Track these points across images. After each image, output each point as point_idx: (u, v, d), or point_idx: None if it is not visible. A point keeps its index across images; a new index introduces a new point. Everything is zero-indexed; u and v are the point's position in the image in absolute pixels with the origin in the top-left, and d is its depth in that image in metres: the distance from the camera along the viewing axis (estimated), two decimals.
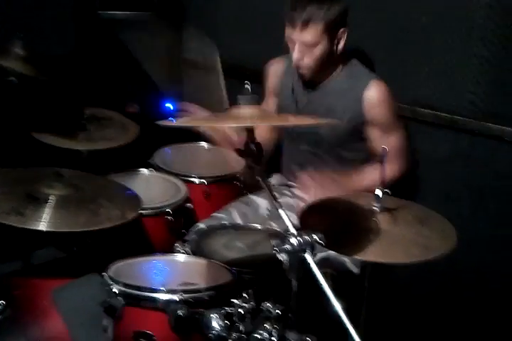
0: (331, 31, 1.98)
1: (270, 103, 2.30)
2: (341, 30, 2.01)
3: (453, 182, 2.22)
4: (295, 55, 2.01)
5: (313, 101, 2.15)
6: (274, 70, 2.29)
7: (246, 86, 1.46)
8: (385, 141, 2.01)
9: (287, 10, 2.00)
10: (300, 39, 1.98)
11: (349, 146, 2.16)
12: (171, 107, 2.77)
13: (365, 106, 2.06)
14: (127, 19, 2.80)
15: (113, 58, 2.77)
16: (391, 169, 2.02)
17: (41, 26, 2.68)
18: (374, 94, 2.05)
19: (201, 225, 2.15)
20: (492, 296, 2.18)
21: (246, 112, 1.45)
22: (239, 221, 2.18)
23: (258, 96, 1.53)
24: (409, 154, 2.12)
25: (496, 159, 2.11)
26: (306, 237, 1.31)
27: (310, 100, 2.16)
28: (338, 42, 2.03)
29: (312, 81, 2.14)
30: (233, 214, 2.21)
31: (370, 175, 1.99)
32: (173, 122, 1.93)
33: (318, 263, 1.35)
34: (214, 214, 2.22)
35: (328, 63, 2.07)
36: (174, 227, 2.19)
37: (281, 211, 1.41)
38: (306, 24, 1.94)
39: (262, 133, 2.11)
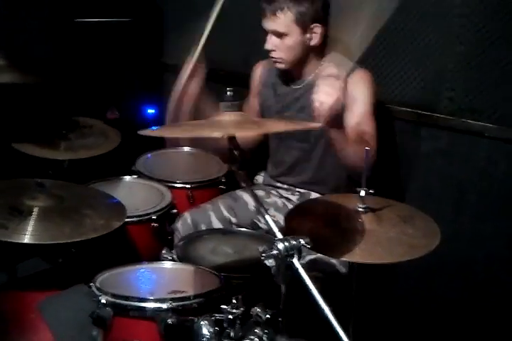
0: (301, 23, 2.00)
1: (252, 104, 2.32)
2: (314, 24, 2.02)
3: (434, 179, 2.24)
4: (267, 45, 2.05)
5: (299, 97, 2.16)
6: (256, 73, 2.32)
7: (228, 93, 1.45)
8: (364, 122, 1.99)
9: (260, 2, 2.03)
10: (270, 27, 2.02)
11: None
12: (152, 112, 2.77)
13: (347, 88, 2.01)
14: (104, 26, 2.78)
15: (92, 66, 2.75)
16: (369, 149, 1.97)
17: (18, 36, 2.66)
18: (356, 77, 2.03)
19: (187, 215, 2.17)
20: (476, 292, 2.21)
21: (228, 120, 1.45)
22: (226, 213, 2.19)
23: (240, 101, 1.53)
24: (376, 144, 2.01)
25: (477, 155, 2.13)
26: (293, 242, 1.31)
27: (295, 97, 2.17)
28: (311, 37, 2.03)
29: (296, 78, 2.16)
30: (221, 206, 2.22)
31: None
32: (154, 130, 1.95)
33: (307, 266, 1.35)
34: (202, 204, 2.23)
35: (304, 58, 2.08)
36: (160, 233, 2.19)
37: (267, 217, 1.41)
38: (274, 12, 1.99)
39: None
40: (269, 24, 2.03)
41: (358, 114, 2.03)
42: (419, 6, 2.15)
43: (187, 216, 2.18)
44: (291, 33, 2.01)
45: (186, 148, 2.65)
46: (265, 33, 2.06)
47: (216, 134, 1.39)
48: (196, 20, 2.93)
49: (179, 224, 2.17)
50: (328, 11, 2.06)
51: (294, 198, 2.26)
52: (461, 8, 2.05)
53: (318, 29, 2.03)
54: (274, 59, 2.09)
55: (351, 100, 2.04)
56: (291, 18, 1.99)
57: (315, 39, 2.05)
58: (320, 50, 2.11)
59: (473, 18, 2.04)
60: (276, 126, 1.64)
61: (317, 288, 1.31)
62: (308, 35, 2.04)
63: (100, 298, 1.60)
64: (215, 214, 2.19)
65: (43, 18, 2.79)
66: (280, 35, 2.02)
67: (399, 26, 2.22)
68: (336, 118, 1.86)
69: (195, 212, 2.20)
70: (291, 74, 2.17)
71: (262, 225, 2.16)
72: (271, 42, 2.05)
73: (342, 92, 1.90)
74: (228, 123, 1.44)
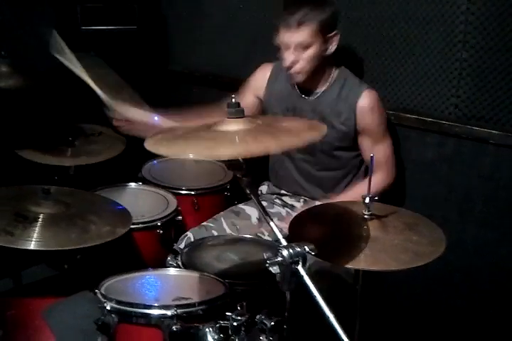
0: (324, 32, 2.00)
1: (248, 100, 2.24)
2: (334, 32, 2.03)
3: (439, 185, 2.24)
4: (289, 57, 2.01)
5: (306, 109, 2.16)
6: (263, 73, 2.29)
7: (233, 99, 1.45)
8: (375, 150, 2.06)
9: (281, 13, 2.02)
10: (294, 40, 1.98)
11: (341, 154, 2.18)
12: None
13: (357, 114, 2.09)
14: (110, 34, 2.80)
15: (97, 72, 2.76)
16: (379, 177, 2.06)
17: (25, 43, 2.68)
18: (366, 103, 2.08)
19: (189, 234, 2.16)
20: (482, 299, 2.20)
21: (236, 132, 1.41)
22: (228, 230, 2.18)
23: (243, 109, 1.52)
24: (395, 163, 2.18)
25: (482, 162, 2.12)
26: (298, 249, 1.31)
27: (303, 108, 2.17)
28: (330, 45, 2.04)
29: (306, 89, 2.16)
30: (223, 223, 2.21)
31: (358, 190, 1.99)
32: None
33: (313, 277, 1.34)
34: (204, 223, 2.22)
35: (320, 67, 2.08)
36: (165, 240, 2.19)
37: (272, 224, 1.41)
38: (300, 24, 1.96)
39: None
40: (293, 36, 1.97)
41: (372, 143, 2.10)
42: (424, 13, 2.16)
43: (190, 235, 2.16)
44: (315, 43, 1.99)
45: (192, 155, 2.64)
46: (284, 44, 2.01)
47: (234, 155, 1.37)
48: (200, 28, 2.97)
49: (182, 245, 2.14)
50: (339, 15, 2.09)
51: (299, 205, 2.26)
52: (466, 15, 2.06)
53: (336, 37, 2.04)
54: (293, 72, 2.06)
55: (362, 126, 2.10)
56: (316, 28, 1.97)
57: (333, 47, 2.05)
58: (331, 60, 2.12)
59: (478, 25, 2.04)
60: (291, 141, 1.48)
61: (323, 297, 1.31)
62: (328, 44, 2.03)
63: (105, 304, 1.60)
64: (217, 232, 2.17)
65: (49, 26, 2.81)
66: (304, 46, 1.99)
67: (404, 33, 2.22)
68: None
69: (197, 230, 2.18)
70: (300, 84, 2.16)
71: (266, 238, 2.15)
72: (291, 57, 2.00)
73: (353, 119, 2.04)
74: (241, 138, 1.39)
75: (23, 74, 2.27)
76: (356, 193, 1.95)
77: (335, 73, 2.14)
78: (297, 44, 1.99)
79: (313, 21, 1.97)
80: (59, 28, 2.80)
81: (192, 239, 2.13)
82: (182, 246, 2.12)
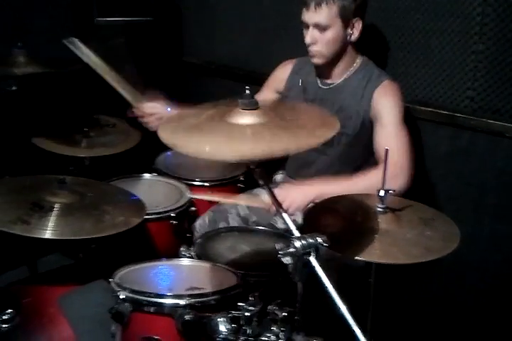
0: (344, 17, 2.01)
1: (265, 95, 2.30)
2: (356, 18, 2.03)
3: (454, 179, 2.23)
4: (307, 38, 2.05)
5: (325, 99, 2.16)
6: (283, 70, 2.31)
7: (247, 91, 1.46)
8: (388, 142, 2.01)
9: None
10: (313, 20, 2.01)
11: (357, 145, 2.16)
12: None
13: (373, 102, 2.07)
14: (125, 25, 2.81)
15: (113, 63, 2.78)
16: (396, 175, 1.99)
17: (39, 35, 2.70)
18: (382, 91, 2.07)
19: (206, 213, 2.22)
20: (495, 293, 2.19)
21: (249, 125, 1.42)
22: (245, 211, 2.20)
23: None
24: (412, 158, 2.04)
25: (497, 155, 2.11)
26: (310, 240, 1.32)
27: (322, 98, 2.17)
28: (352, 31, 2.05)
29: (327, 78, 2.17)
30: (239, 206, 2.23)
31: (372, 178, 1.96)
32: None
33: (323, 265, 1.35)
34: (220, 205, 2.25)
35: (341, 54, 2.09)
36: (178, 231, 2.21)
37: (285, 215, 1.42)
38: (319, 4, 1.98)
39: None
40: (311, 16, 2.02)
41: (386, 134, 2.05)
42: (440, 5, 2.14)
43: (206, 214, 2.20)
44: (334, 25, 2.01)
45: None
46: (301, 27, 2.06)
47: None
48: (215, 19, 2.96)
49: (198, 223, 2.19)
50: (366, 6, 2.08)
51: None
52: (483, 7, 2.04)
53: (358, 24, 2.04)
54: (312, 53, 2.09)
55: (378, 117, 2.06)
56: (335, 10, 1.99)
57: (355, 34, 2.06)
58: (354, 49, 2.12)
59: (494, 17, 2.02)
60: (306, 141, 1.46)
61: (334, 280, 1.31)
62: (349, 30, 2.04)
63: (119, 293, 1.62)
64: (235, 211, 2.21)
65: (64, 17, 2.83)
66: (322, 28, 2.02)
67: (420, 25, 2.21)
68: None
69: (215, 210, 2.22)
70: (321, 73, 2.18)
71: (280, 225, 2.16)
72: (311, 35, 2.05)
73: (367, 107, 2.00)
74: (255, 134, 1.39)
75: (39, 63, 2.28)
76: (367, 181, 1.93)
77: (358, 63, 2.15)
78: (315, 24, 2.03)
79: (332, 4, 1.99)
80: (75, 20, 2.84)
81: (207, 218, 2.20)
82: (197, 223, 2.19)
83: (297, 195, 1.94)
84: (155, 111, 2.27)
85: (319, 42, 2.05)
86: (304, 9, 2.04)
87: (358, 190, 1.86)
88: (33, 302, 1.80)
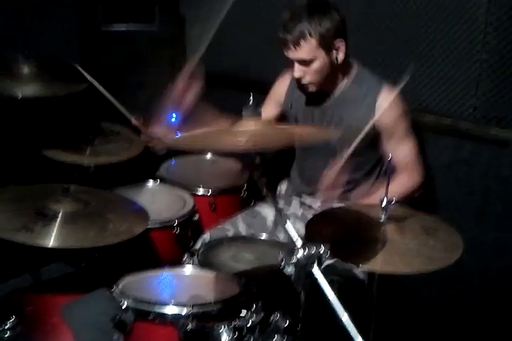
0: (325, 44, 1.96)
1: (269, 110, 2.29)
2: (337, 40, 1.99)
3: (457, 187, 2.23)
4: (295, 73, 2.02)
5: (326, 112, 2.15)
6: (283, 82, 2.29)
7: (250, 98, 1.46)
8: (398, 150, 2.02)
9: (280, 27, 1.99)
10: (295, 57, 1.98)
11: (363, 153, 2.14)
12: (174, 118, 2.79)
13: (376, 111, 2.05)
14: (129, 32, 2.82)
15: (118, 73, 2.80)
16: (403, 179, 2.04)
17: (46, 44, 2.71)
18: (385, 101, 2.04)
19: (206, 236, 2.17)
20: (499, 302, 2.18)
21: (250, 128, 1.45)
22: (245, 232, 2.19)
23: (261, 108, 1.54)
24: (422, 163, 2.08)
25: (500, 164, 2.11)
26: (313, 250, 1.32)
27: (323, 112, 2.16)
28: (337, 53, 2.02)
29: (321, 93, 2.15)
30: (239, 225, 2.22)
31: (402, 185, 2.01)
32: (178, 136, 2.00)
33: (325, 271, 1.35)
34: (220, 225, 2.23)
35: (332, 74, 2.07)
36: (181, 239, 2.21)
37: (287, 225, 1.42)
38: (298, 42, 1.94)
39: None
40: (293, 54, 1.98)
41: (397, 142, 2.05)
42: (444, 13, 2.15)
43: (206, 236, 2.18)
44: (318, 57, 1.98)
45: (209, 155, 2.67)
46: (290, 60, 2.02)
47: (238, 142, 1.40)
48: (218, 28, 2.97)
49: (199, 245, 2.15)
50: (345, 23, 2.02)
51: (316, 205, 2.26)
52: (487, 16, 2.04)
53: (341, 44, 2.00)
54: (304, 85, 2.07)
55: (383, 125, 2.05)
56: (314, 43, 1.95)
57: (340, 54, 2.02)
58: (345, 63, 2.09)
59: (498, 26, 2.02)
60: (300, 132, 1.60)
61: (335, 292, 1.31)
62: (334, 54, 2.01)
63: (122, 302, 1.62)
64: (234, 232, 2.18)
65: (70, 27, 2.85)
66: (307, 62, 1.99)
67: (423, 33, 2.22)
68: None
69: (214, 231, 2.20)
70: (320, 89, 2.14)
71: (282, 240, 2.15)
72: (298, 70, 2.01)
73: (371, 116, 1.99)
74: (250, 132, 1.43)
75: (45, 75, 2.29)
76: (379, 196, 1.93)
77: (352, 74, 2.12)
78: (299, 60, 2.00)
79: (311, 37, 1.93)
80: (80, 28, 2.85)
81: (207, 241, 2.14)
82: (197, 246, 2.14)
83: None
84: (162, 137, 2.22)
85: (308, 74, 2.02)
86: (284, 47, 1.99)
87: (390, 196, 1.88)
88: (36, 310, 1.79)
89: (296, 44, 1.94)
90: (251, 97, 1.48)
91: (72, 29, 2.86)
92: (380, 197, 1.86)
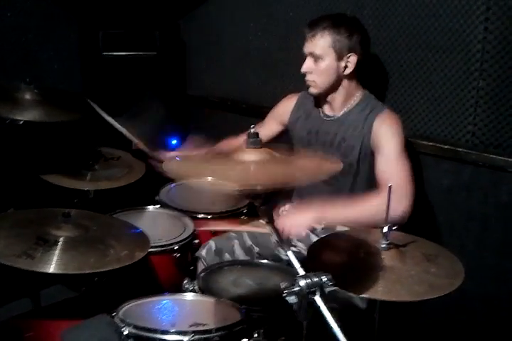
0: (337, 49, 2.10)
1: (267, 128, 2.40)
2: (351, 54, 2.11)
3: (457, 213, 2.23)
4: (303, 66, 2.15)
5: (328, 130, 2.22)
6: (287, 103, 2.39)
7: (252, 129, 1.48)
8: (387, 172, 2.04)
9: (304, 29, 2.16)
10: (308, 50, 2.14)
11: (362, 175, 2.19)
12: (175, 143, 2.81)
13: (373, 132, 2.12)
14: (130, 59, 2.85)
15: (119, 97, 2.82)
16: (396, 202, 2.03)
17: (47, 71, 2.74)
18: (381, 121, 2.12)
19: (212, 243, 2.20)
20: (501, 326, 2.17)
21: (252, 158, 1.47)
22: (249, 243, 2.22)
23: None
24: (411, 190, 2.04)
25: (499, 189, 2.12)
26: (315, 279, 1.32)
27: (325, 130, 2.23)
28: (346, 65, 2.12)
29: (329, 110, 2.24)
30: (244, 235, 2.25)
31: (372, 204, 1.98)
32: (179, 160, 2.03)
33: (324, 298, 1.35)
34: (225, 234, 2.26)
35: (336, 86, 2.16)
36: (181, 263, 2.20)
37: (289, 253, 1.42)
38: (314, 35, 2.11)
39: None
40: (308, 46, 2.14)
41: (386, 161, 2.07)
42: (441, 41, 2.18)
43: (211, 244, 2.20)
44: (327, 56, 2.11)
45: (208, 179, 2.67)
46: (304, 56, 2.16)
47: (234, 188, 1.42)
48: (218, 54, 3.01)
49: (203, 252, 2.18)
50: (368, 45, 2.16)
51: (319, 227, 2.27)
52: (483, 44, 2.08)
53: (353, 58, 2.11)
54: (307, 82, 2.18)
55: (379, 145, 2.10)
56: (329, 41, 2.09)
57: (349, 68, 2.12)
58: (353, 83, 2.18)
59: (494, 54, 2.06)
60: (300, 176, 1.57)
61: (335, 320, 1.31)
62: (343, 64, 2.12)
63: (123, 329, 1.61)
64: (238, 242, 2.21)
65: (71, 53, 2.88)
66: (317, 57, 2.11)
67: (421, 61, 2.25)
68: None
69: (219, 239, 2.23)
70: (323, 106, 2.25)
71: (284, 257, 2.17)
72: (307, 64, 2.15)
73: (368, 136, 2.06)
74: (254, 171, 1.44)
75: (46, 101, 2.30)
76: (367, 208, 1.97)
77: (358, 96, 2.20)
78: (310, 53, 2.13)
79: (327, 36, 2.09)
80: (81, 54, 2.88)
81: (213, 248, 2.18)
82: (203, 252, 2.18)
83: (296, 220, 1.98)
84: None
85: (314, 72, 2.14)
86: (305, 39, 2.15)
87: (357, 216, 1.95)
88: (36, 336, 1.79)
89: (313, 36, 2.11)
90: (253, 129, 1.50)
91: (73, 55, 2.90)
92: (341, 213, 1.98)
